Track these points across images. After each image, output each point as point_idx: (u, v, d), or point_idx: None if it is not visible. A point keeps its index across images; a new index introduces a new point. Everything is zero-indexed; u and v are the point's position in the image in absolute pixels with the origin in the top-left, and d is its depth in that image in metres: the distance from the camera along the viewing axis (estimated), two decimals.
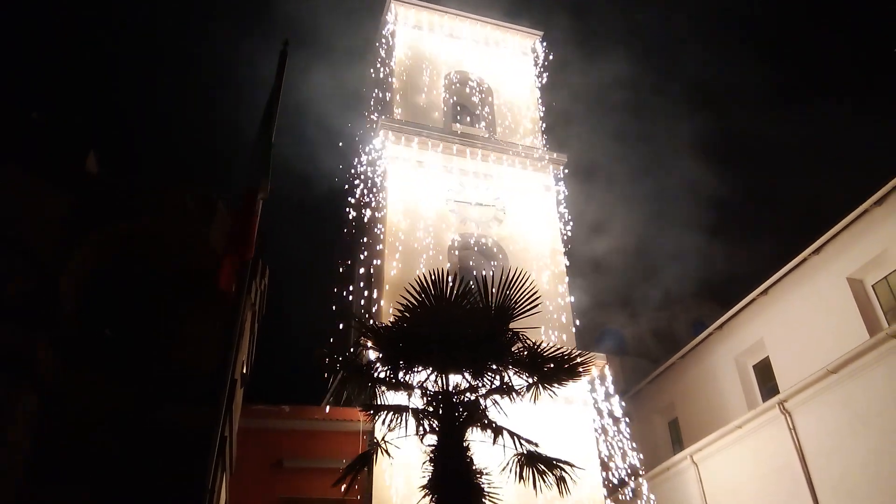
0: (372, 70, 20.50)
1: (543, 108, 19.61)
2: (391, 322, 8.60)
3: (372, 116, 18.79)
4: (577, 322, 15.37)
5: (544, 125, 19.23)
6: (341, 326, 16.00)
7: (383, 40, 20.31)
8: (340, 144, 19.83)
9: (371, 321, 8.95)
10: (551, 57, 20.72)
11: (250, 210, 6.09)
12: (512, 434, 8.21)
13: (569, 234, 16.99)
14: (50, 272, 8.21)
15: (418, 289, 8.15)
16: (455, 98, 19.52)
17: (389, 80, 18.88)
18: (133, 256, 8.87)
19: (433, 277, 8.15)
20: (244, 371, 9.37)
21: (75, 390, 7.55)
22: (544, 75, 20.42)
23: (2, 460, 6.37)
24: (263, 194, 6.49)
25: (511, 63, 20.39)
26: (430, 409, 8.18)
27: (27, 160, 8.61)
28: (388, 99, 18.48)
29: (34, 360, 7.46)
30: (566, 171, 18.05)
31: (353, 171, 18.81)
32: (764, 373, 16.39)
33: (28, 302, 7.89)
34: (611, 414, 14.23)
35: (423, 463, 7.91)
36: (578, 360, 8.58)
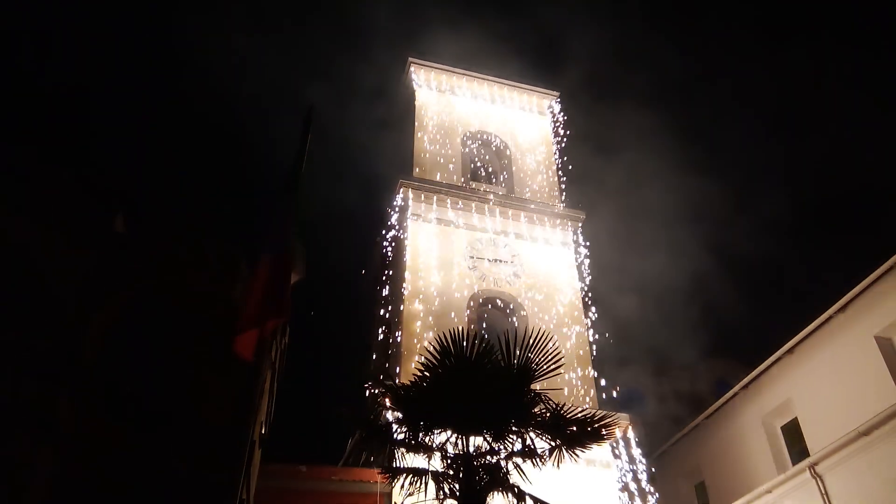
0: (392, 130, 20.89)
1: (560, 166, 19.82)
2: (411, 382, 8.51)
3: (392, 176, 19.05)
4: (599, 381, 15.12)
5: (563, 182, 19.40)
6: (362, 386, 15.89)
7: (403, 101, 20.76)
8: (361, 198, 20.08)
9: (390, 381, 8.86)
10: (565, 117, 21.04)
11: (282, 276, 6.05)
12: (535, 500, 7.99)
13: (589, 291, 16.90)
14: (74, 328, 8.30)
15: (438, 348, 8.09)
16: (474, 156, 19.79)
17: (409, 139, 19.21)
18: (155, 311, 8.95)
19: (453, 336, 8.10)
20: (262, 431, 9.28)
21: (94, 443, 7.53)
22: (561, 133, 20.70)
23: None
24: (300, 273, 6.49)
25: (528, 122, 20.73)
26: (451, 472, 8.01)
27: (55, 218, 8.80)
28: (408, 158, 18.77)
29: (56, 417, 7.48)
30: (582, 234, 18.05)
31: (372, 218, 18.99)
32: (792, 434, 15.92)
33: (51, 358, 7.96)
34: (635, 477, 13.85)
35: None
36: (602, 421, 8.41)
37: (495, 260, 16.66)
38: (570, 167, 20.03)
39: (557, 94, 21.55)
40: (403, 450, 8.55)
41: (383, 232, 18.27)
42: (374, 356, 17.52)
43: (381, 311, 17.23)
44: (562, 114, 21.14)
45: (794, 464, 14.55)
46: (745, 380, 16.69)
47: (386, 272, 17.47)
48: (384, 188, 19.59)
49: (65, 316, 8.34)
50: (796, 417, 15.66)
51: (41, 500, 6.93)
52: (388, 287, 17.22)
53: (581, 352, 15.44)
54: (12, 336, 7.74)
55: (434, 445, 8.31)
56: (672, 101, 46.52)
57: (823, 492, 12.72)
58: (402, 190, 17.24)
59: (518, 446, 8.21)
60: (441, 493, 7.96)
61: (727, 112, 43.83)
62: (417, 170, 18.08)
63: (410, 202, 17.02)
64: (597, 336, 16.18)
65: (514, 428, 8.18)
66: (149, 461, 7.70)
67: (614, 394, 15.11)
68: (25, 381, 7.54)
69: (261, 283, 6.05)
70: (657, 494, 14.17)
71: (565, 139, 20.60)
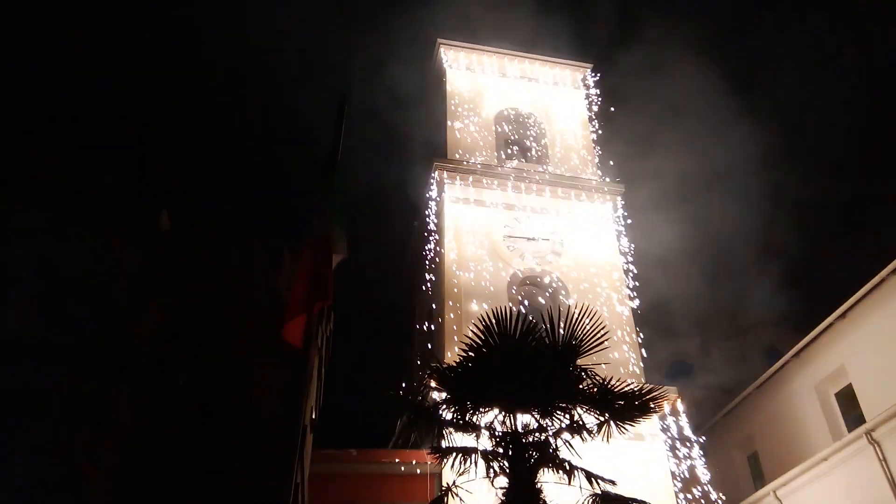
0: (425, 112, 20.84)
1: (597, 138, 19.53)
2: (456, 362, 8.54)
3: (427, 158, 19.05)
4: (645, 354, 14.99)
5: (599, 155, 19.12)
6: (408, 368, 16.04)
7: (434, 81, 20.68)
8: (399, 182, 20.16)
9: (436, 362, 8.90)
10: (598, 90, 20.68)
11: (324, 262, 6.11)
12: (588, 474, 7.97)
13: (631, 264, 16.68)
14: (128, 323, 8.55)
15: (482, 327, 8.09)
16: (508, 134, 19.64)
17: (442, 120, 19.15)
18: (204, 305, 9.16)
19: (497, 315, 8.09)
20: (313, 416, 9.45)
21: (150, 435, 7.78)
22: (596, 106, 20.37)
23: None
24: (342, 252, 6.53)
25: (562, 96, 20.45)
26: (500, 450, 8.03)
27: (105, 219, 9.05)
28: (441, 139, 18.72)
29: (113, 410, 7.73)
30: (624, 204, 17.78)
31: (409, 207, 19.03)
32: (847, 401, 15.58)
33: (107, 353, 8.22)
34: (687, 450, 13.72)
35: None
36: (650, 394, 8.33)
37: (534, 238, 16.58)
38: (609, 136, 19.72)
39: (590, 65, 21.21)
40: (451, 430, 8.59)
41: (421, 214, 18.30)
42: (419, 338, 17.65)
43: (423, 294, 17.31)
44: (596, 82, 20.81)
45: (849, 431, 14.26)
46: (797, 347, 16.37)
47: (426, 254, 17.53)
48: (420, 169, 19.62)
49: (118, 312, 8.60)
50: (851, 384, 15.32)
51: (103, 491, 7.18)
52: (428, 269, 17.28)
53: (626, 325, 15.30)
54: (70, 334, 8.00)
55: (482, 424, 8.34)
56: (711, 50, 44.98)
57: (882, 458, 12.45)
58: (436, 172, 17.23)
59: (566, 422, 8.19)
60: (491, 471, 7.99)
61: (772, 53, 42.19)
62: (451, 151, 18.02)
63: (446, 184, 17.01)
64: (643, 308, 16.01)
65: (561, 404, 8.15)
66: (206, 450, 7.91)
67: (661, 366, 14.97)
68: (83, 376, 7.80)
69: (305, 269, 6.12)
70: (709, 467, 14.02)
71: (600, 109, 20.28)
